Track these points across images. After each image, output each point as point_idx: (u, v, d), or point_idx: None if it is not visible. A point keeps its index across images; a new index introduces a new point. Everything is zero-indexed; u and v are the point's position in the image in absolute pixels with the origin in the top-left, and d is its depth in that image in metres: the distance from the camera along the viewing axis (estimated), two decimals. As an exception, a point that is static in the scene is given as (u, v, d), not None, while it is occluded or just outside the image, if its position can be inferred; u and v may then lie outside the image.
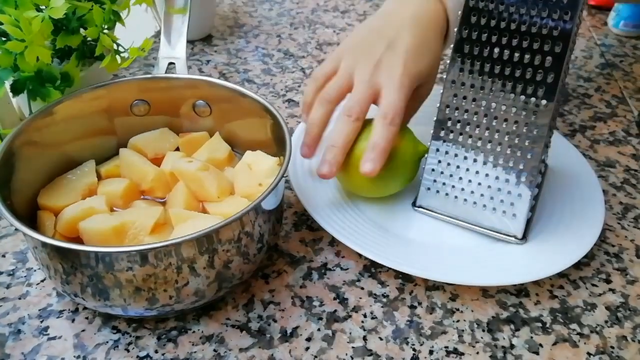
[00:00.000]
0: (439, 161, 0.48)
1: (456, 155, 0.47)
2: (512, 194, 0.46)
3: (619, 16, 0.85)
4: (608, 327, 0.43)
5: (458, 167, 0.48)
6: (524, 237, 0.47)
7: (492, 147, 0.46)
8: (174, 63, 0.52)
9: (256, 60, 0.76)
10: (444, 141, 0.47)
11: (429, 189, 0.50)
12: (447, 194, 0.49)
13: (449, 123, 0.46)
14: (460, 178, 0.48)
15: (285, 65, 0.74)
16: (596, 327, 0.43)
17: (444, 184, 0.49)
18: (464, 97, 0.45)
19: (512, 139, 0.45)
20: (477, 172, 0.47)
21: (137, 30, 0.62)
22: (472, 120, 0.45)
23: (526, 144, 0.44)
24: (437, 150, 0.48)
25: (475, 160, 0.47)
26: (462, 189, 0.48)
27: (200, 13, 0.76)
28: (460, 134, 0.47)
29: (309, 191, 0.51)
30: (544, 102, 0.42)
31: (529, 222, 0.48)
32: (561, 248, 0.46)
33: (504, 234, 0.48)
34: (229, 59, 0.76)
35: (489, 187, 0.47)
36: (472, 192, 0.48)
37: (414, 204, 0.51)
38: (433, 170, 0.49)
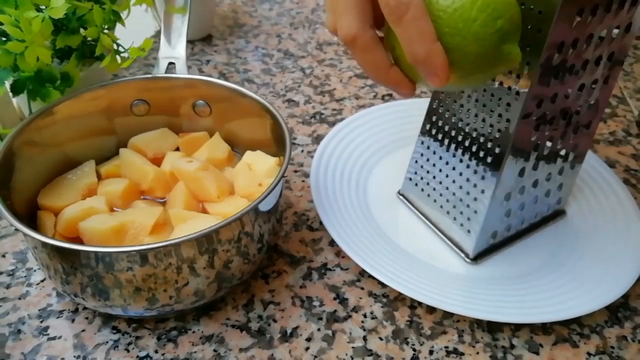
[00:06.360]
0: (422, 154, 0.48)
1: (434, 152, 0.47)
2: (470, 207, 0.44)
3: (619, 16, 0.85)
4: (608, 327, 0.43)
5: (434, 165, 0.47)
6: (477, 259, 0.45)
7: (463, 153, 0.44)
8: (174, 63, 0.52)
9: (256, 60, 0.76)
10: (429, 135, 0.47)
11: (410, 179, 0.50)
12: (422, 190, 0.49)
13: (434, 118, 0.46)
14: (434, 177, 0.47)
15: (285, 65, 0.74)
16: (596, 327, 0.43)
17: (421, 178, 0.49)
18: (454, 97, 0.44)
19: (480, 149, 0.42)
20: (446, 176, 0.46)
21: (137, 30, 0.62)
22: (450, 122, 0.44)
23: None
24: (422, 142, 0.48)
25: (447, 163, 0.46)
26: (434, 189, 0.47)
27: (200, 13, 0.76)
28: (444, 132, 0.46)
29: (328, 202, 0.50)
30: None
31: (496, 246, 0.46)
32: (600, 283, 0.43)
33: (458, 249, 0.46)
34: (229, 59, 0.75)
35: (454, 194, 0.45)
36: (441, 194, 0.47)
37: (399, 192, 0.52)
38: (416, 161, 0.49)
